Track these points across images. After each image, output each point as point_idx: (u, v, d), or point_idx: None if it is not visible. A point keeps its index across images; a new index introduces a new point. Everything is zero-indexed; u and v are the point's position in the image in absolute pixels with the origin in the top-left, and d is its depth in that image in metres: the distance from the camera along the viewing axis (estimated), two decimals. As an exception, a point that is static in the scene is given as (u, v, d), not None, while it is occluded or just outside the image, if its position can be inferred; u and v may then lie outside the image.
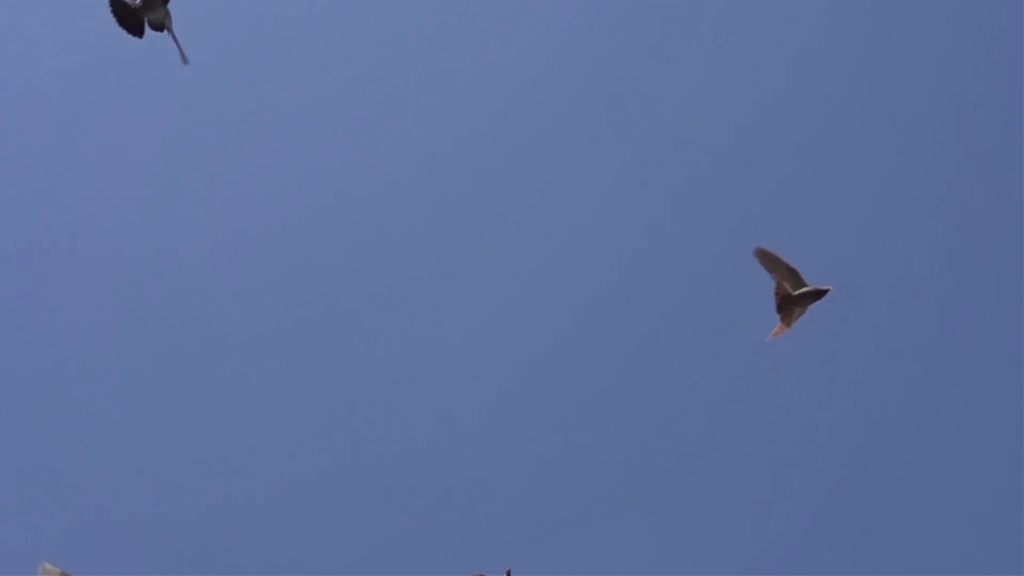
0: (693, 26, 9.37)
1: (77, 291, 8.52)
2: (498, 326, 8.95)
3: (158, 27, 5.83)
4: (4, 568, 7.40)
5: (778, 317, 6.09)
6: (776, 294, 6.05)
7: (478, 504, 8.57)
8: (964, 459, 8.83)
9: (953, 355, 9.11)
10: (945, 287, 9.21)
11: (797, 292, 6.06)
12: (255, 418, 8.46)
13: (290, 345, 8.70)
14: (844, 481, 8.85)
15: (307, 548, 8.31)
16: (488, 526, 8.55)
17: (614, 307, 9.13)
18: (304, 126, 9.11)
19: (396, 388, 8.72)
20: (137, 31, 5.85)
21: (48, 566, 5.69)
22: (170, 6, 5.81)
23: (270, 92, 9.10)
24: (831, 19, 9.38)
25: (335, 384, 8.68)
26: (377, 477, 8.53)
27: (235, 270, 8.79)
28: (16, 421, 8.20)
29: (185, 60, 5.88)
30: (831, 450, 8.90)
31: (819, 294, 6.09)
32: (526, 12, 9.32)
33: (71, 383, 8.38)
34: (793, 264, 6.05)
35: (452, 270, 9.06)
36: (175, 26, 5.76)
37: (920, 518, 8.71)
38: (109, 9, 5.80)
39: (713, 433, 8.91)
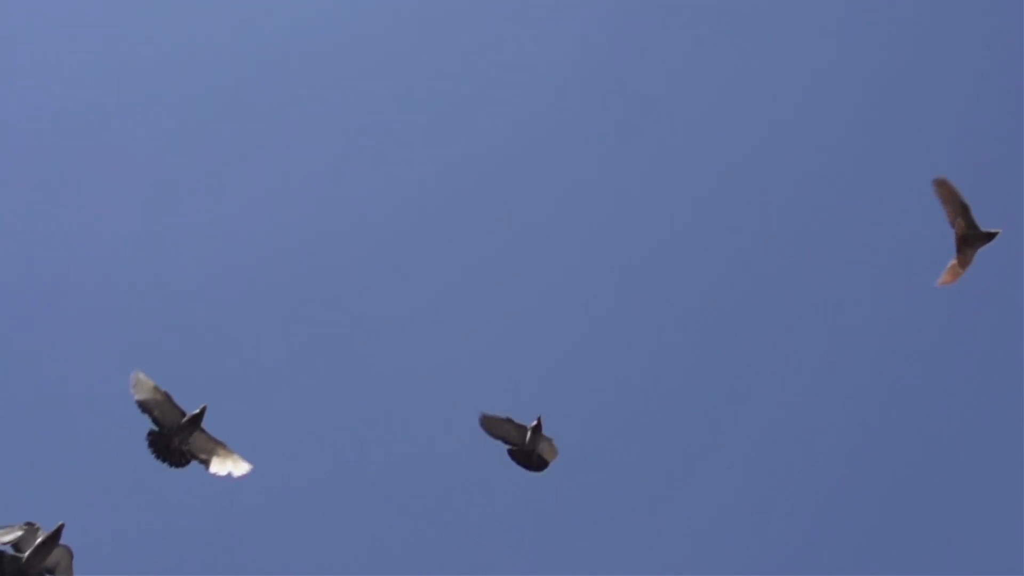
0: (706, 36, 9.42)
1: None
2: (503, 331, 8.96)
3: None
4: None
5: (956, 258, 6.20)
6: (956, 234, 6.14)
7: (480, 504, 8.58)
8: (964, 460, 8.85)
9: (953, 356, 9.13)
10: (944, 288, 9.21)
11: (972, 232, 6.14)
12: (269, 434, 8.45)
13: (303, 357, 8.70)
14: (844, 481, 8.87)
15: (314, 550, 8.33)
16: (490, 526, 8.57)
17: (615, 309, 9.14)
18: (316, 140, 9.13)
19: (402, 393, 8.72)
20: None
21: (142, 376, 5.80)
22: None
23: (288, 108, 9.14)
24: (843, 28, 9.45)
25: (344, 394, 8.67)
26: (382, 478, 8.54)
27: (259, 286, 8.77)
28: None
29: None
30: (831, 451, 8.91)
31: (989, 236, 6.17)
32: (543, 28, 9.36)
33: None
34: (967, 201, 6.12)
35: (459, 275, 9.06)
36: None
37: (920, 518, 8.73)
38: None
39: (713, 434, 8.93)
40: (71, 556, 5.69)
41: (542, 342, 8.97)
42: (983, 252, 6.11)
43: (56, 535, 5.62)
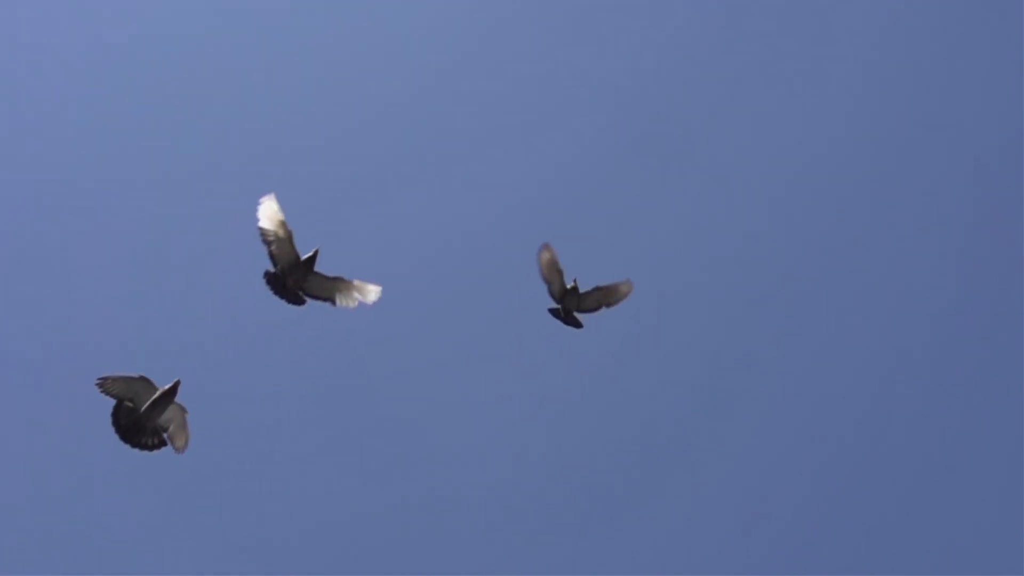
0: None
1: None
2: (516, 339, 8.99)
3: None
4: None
5: None
6: None
7: (482, 504, 8.60)
8: (964, 460, 8.86)
9: (954, 355, 9.14)
10: (944, 288, 9.25)
11: None
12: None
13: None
14: (844, 482, 8.88)
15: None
16: (491, 526, 8.58)
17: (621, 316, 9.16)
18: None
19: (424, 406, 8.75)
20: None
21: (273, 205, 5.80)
22: None
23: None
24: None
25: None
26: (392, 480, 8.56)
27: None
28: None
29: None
30: (831, 451, 8.93)
31: None
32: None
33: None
34: None
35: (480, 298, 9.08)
36: None
37: (920, 518, 8.74)
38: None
39: (714, 436, 8.94)
40: (185, 414, 5.65)
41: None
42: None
43: (172, 391, 5.57)
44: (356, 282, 5.91)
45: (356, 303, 5.90)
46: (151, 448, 5.64)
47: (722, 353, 9.12)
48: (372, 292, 5.91)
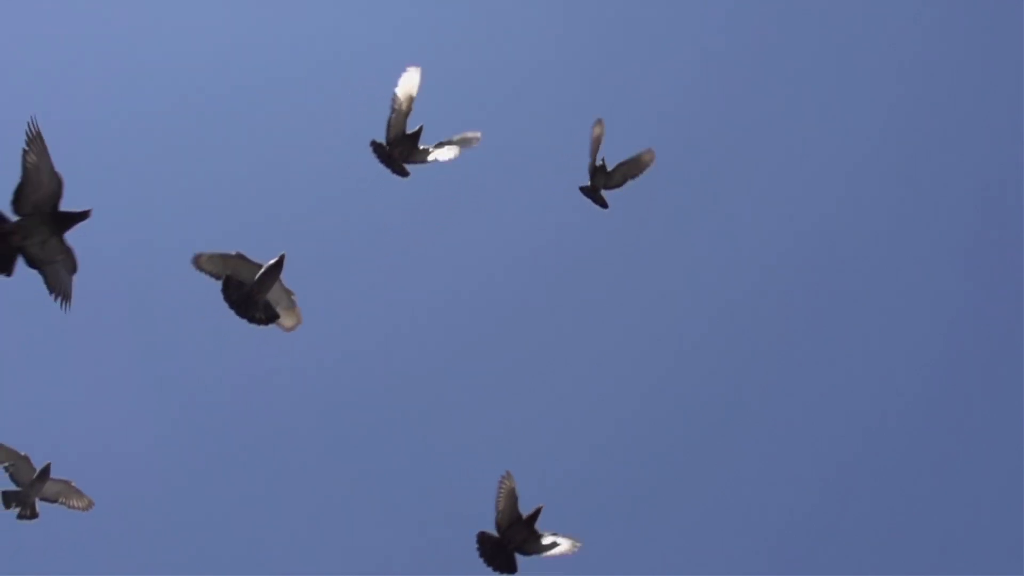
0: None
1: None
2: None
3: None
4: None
5: None
6: None
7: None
8: (964, 460, 8.88)
9: (954, 354, 9.17)
10: (943, 287, 9.28)
11: None
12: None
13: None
14: (844, 482, 8.90)
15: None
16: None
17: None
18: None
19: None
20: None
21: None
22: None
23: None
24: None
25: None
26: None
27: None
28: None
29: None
30: (831, 452, 8.95)
31: None
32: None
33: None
34: None
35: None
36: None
37: (920, 518, 8.76)
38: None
39: (715, 437, 8.97)
40: (292, 296, 5.55)
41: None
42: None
43: (278, 265, 5.47)
44: (459, 136, 6.12)
45: (458, 153, 6.11)
46: (262, 322, 5.55)
47: (727, 360, 9.17)
48: (473, 139, 6.13)
